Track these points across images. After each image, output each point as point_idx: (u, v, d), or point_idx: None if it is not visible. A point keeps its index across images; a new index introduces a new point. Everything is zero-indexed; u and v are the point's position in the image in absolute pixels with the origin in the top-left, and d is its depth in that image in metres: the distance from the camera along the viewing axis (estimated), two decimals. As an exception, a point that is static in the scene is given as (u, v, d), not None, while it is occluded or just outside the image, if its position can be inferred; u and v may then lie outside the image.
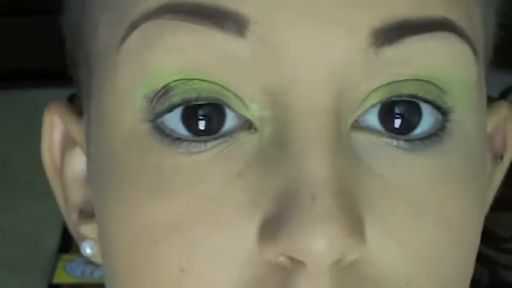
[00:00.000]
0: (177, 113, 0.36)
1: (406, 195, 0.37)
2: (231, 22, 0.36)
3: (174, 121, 0.36)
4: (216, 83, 0.36)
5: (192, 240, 0.36)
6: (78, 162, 0.44)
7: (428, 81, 0.37)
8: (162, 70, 0.36)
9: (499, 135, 0.44)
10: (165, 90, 0.36)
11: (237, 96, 0.36)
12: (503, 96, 1.22)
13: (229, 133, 0.36)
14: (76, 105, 0.44)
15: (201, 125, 0.36)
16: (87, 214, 0.43)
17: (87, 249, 0.43)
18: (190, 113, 0.36)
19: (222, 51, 0.36)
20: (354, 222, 0.35)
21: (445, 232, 0.37)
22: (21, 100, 1.41)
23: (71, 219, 0.44)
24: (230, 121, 0.36)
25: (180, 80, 0.36)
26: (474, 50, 0.38)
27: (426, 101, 0.37)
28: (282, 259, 0.35)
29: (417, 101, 0.37)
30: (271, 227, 0.35)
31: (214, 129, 0.36)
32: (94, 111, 0.40)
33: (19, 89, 1.43)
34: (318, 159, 0.35)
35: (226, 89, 0.36)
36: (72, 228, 0.44)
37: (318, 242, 0.34)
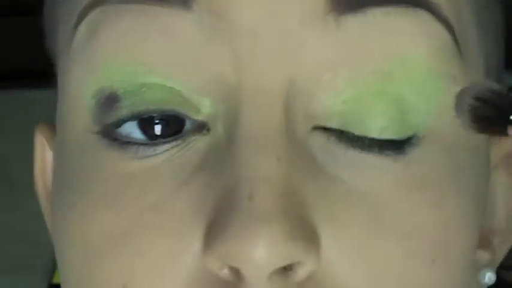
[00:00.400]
0: (128, 122, 0.34)
1: (368, 204, 0.33)
2: None
3: (129, 126, 0.34)
4: (164, 87, 0.33)
5: (136, 254, 0.33)
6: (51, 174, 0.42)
7: (396, 85, 0.33)
8: (108, 64, 0.34)
9: None
10: (113, 98, 0.34)
11: (186, 98, 0.33)
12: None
13: (184, 136, 0.34)
14: None
15: (157, 129, 0.34)
16: None
17: None
18: (147, 117, 0.34)
19: (167, 32, 0.33)
20: (299, 226, 0.31)
21: (413, 247, 0.33)
22: (21, 100, 1.41)
23: None
24: (188, 123, 0.34)
25: (126, 88, 0.34)
26: (455, 39, 0.34)
27: (386, 140, 0.33)
28: (226, 272, 0.32)
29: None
30: (212, 235, 0.32)
31: (172, 133, 0.34)
32: (57, 118, 0.39)
33: (19, 89, 1.43)
34: (262, 155, 0.32)
35: (175, 94, 0.33)
36: None
37: (254, 248, 0.30)
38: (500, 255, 0.40)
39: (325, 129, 0.34)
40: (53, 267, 1.20)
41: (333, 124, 0.34)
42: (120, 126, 0.34)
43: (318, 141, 0.33)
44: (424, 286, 0.34)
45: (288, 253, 0.31)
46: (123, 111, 0.34)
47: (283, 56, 0.33)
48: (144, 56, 0.34)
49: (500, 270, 0.41)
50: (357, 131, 0.33)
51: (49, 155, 0.42)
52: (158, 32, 0.34)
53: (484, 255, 0.39)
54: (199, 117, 0.34)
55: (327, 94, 0.33)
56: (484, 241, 0.39)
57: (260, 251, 0.30)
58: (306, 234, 0.31)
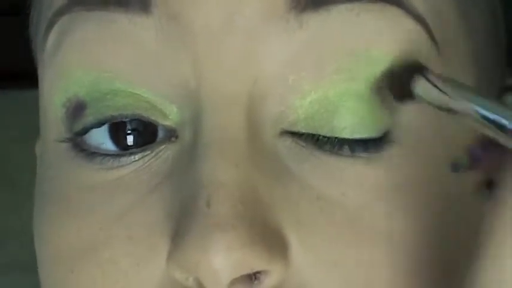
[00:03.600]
0: (103, 129, 0.34)
1: (337, 209, 0.32)
2: (134, 0, 0.33)
3: (100, 137, 0.34)
4: (129, 93, 0.33)
5: (102, 265, 0.33)
6: None
7: (365, 86, 0.32)
8: (73, 72, 0.34)
9: None
10: (79, 106, 0.34)
11: (152, 104, 0.33)
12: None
13: (153, 147, 0.33)
14: None
15: (130, 140, 0.34)
16: None
17: None
18: (119, 127, 0.34)
19: (128, 39, 0.33)
20: (260, 232, 0.30)
21: (385, 252, 0.32)
22: (21, 100, 1.41)
23: None
24: (160, 133, 0.33)
25: (91, 95, 0.33)
26: (431, 35, 0.33)
27: (358, 141, 0.32)
28: (191, 281, 0.30)
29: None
30: (173, 242, 0.31)
31: (145, 143, 0.33)
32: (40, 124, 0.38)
33: (19, 89, 1.43)
34: (219, 159, 0.31)
35: (141, 99, 0.33)
36: None
37: (210, 256, 0.29)
38: None
39: (293, 133, 0.33)
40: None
41: (301, 127, 0.32)
42: (85, 134, 0.34)
43: (286, 145, 0.32)
44: None
45: (246, 260, 0.30)
46: (88, 118, 0.34)
47: (244, 58, 0.32)
48: (108, 63, 0.33)
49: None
50: (327, 132, 0.32)
51: None
52: (120, 39, 0.33)
53: None
54: (168, 123, 0.33)
55: (292, 96, 0.32)
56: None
57: (216, 259, 0.29)
58: (268, 240, 0.30)
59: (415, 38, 0.33)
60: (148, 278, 0.32)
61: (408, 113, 0.33)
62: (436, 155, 0.34)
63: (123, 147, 0.34)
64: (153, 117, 0.33)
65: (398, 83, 0.32)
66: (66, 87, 0.34)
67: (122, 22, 0.33)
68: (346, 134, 0.32)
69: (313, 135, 0.32)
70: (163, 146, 0.33)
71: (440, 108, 0.30)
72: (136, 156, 0.33)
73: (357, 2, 0.32)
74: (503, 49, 0.39)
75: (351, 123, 0.32)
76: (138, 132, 0.34)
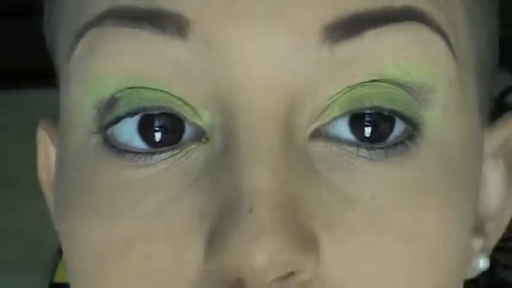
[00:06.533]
0: (133, 123, 0.35)
1: (367, 210, 0.33)
2: (171, 23, 0.34)
3: (129, 133, 0.35)
4: (163, 91, 0.34)
5: (138, 264, 0.34)
6: None
7: (395, 85, 0.34)
8: (107, 78, 0.35)
9: None
10: (112, 101, 0.35)
11: (187, 103, 0.34)
12: (503, 96, 1.22)
13: (183, 145, 0.34)
14: None
15: (157, 136, 0.35)
16: None
17: None
18: (147, 124, 0.35)
19: (164, 56, 0.34)
20: (297, 235, 0.32)
21: (414, 252, 0.34)
22: (21, 100, 1.41)
23: None
24: (188, 132, 0.35)
25: (126, 89, 0.35)
26: (450, 46, 0.35)
27: (392, 112, 0.34)
28: (230, 279, 0.32)
29: (381, 112, 0.34)
30: (211, 244, 0.32)
31: (171, 141, 0.35)
32: (60, 122, 0.39)
33: (19, 89, 1.43)
34: (258, 169, 0.33)
35: (174, 97, 0.34)
36: None
37: (254, 258, 0.31)
38: (493, 240, 0.41)
39: (324, 137, 0.34)
40: (53, 266, 1.20)
41: (332, 131, 0.34)
42: (117, 123, 0.35)
43: (316, 149, 0.34)
44: None
45: (287, 262, 0.32)
46: (121, 108, 0.35)
47: (278, 78, 0.33)
48: (142, 71, 0.34)
49: (500, 269, 0.41)
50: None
51: (52, 151, 0.43)
52: (153, 54, 0.34)
53: (477, 243, 0.40)
54: (200, 123, 0.34)
55: (324, 104, 0.34)
56: (477, 228, 0.39)
57: (261, 261, 0.31)
58: (304, 242, 0.32)
59: (439, 49, 0.35)
60: (182, 274, 0.33)
61: (434, 116, 0.35)
62: (457, 155, 0.36)
63: (152, 144, 0.35)
64: (185, 113, 0.34)
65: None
66: (98, 91, 0.35)
67: (158, 41, 0.34)
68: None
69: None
70: (193, 146, 0.34)
71: None
72: (166, 155, 0.34)
73: (386, 25, 0.33)
74: (497, 48, 0.41)
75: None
76: (166, 129, 0.35)
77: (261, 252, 0.31)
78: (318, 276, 0.33)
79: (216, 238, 0.32)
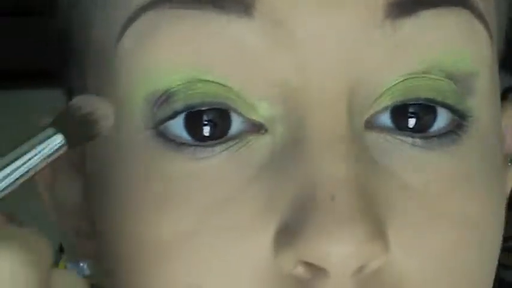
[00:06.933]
0: (180, 118, 0.34)
1: (423, 197, 0.34)
2: (236, 2, 0.33)
3: (177, 127, 0.34)
4: (220, 84, 0.34)
5: (202, 255, 0.34)
6: (71, 185, 0.41)
7: (445, 75, 0.35)
8: (162, 67, 0.34)
9: (509, 135, 0.41)
10: (167, 95, 0.34)
11: (242, 97, 0.34)
12: (503, 96, 1.22)
13: (238, 136, 0.34)
14: None
15: (206, 130, 0.34)
16: (83, 234, 0.41)
17: (85, 271, 0.41)
18: (194, 118, 0.34)
19: (227, 38, 0.33)
20: (377, 225, 0.32)
21: (465, 235, 0.35)
22: (21, 100, 1.41)
23: (67, 238, 0.42)
24: (236, 125, 0.34)
25: (181, 84, 0.34)
26: (489, 32, 0.36)
27: (444, 106, 0.35)
28: (300, 269, 0.32)
29: (434, 104, 0.35)
30: (288, 233, 0.32)
31: (219, 135, 0.34)
32: None
33: (19, 89, 1.43)
34: (336, 157, 0.33)
35: (232, 91, 0.34)
36: (68, 249, 0.42)
37: (340, 246, 0.31)
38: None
39: (374, 126, 0.35)
40: (54, 266, 1.20)
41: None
42: (174, 118, 0.34)
43: (372, 138, 0.34)
44: (477, 268, 0.36)
45: (371, 252, 0.32)
46: (177, 104, 0.34)
47: (344, 62, 0.34)
48: (201, 59, 0.34)
49: (501, 269, 0.41)
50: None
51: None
52: (216, 37, 0.34)
53: None
54: (255, 117, 0.34)
55: (378, 89, 0.34)
56: None
57: (347, 249, 0.31)
58: (382, 233, 0.33)
59: (483, 37, 0.36)
60: (249, 266, 0.33)
61: (477, 103, 0.36)
62: (493, 140, 0.37)
63: (200, 139, 0.34)
64: (241, 109, 0.34)
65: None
66: (154, 81, 0.34)
67: (221, 22, 0.33)
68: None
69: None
70: (252, 137, 0.34)
71: None
72: (224, 146, 0.34)
73: (440, 7, 0.35)
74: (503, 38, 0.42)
75: (430, 90, 0.35)
76: (214, 124, 0.35)
77: (347, 241, 0.31)
78: (385, 266, 0.33)
79: (291, 229, 0.32)
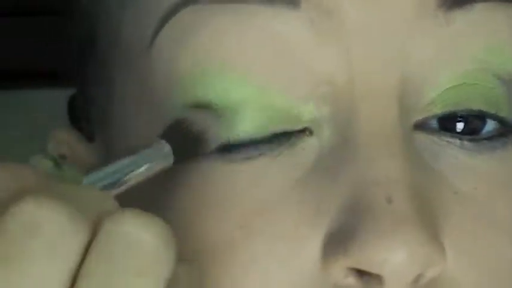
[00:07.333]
0: None
1: (473, 203, 0.33)
2: None
3: None
4: (262, 104, 0.32)
5: (245, 260, 0.32)
6: None
7: (497, 78, 0.33)
8: (201, 71, 0.33)
9: None
10: (207, 103, 0.32)
11: (286, 111, 0.32)
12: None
13: (283, 136, 0.33)
14: (83, 130, 0.41)
15: None
16: None
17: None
18: None
19: (272, 32, 0.32)
20: (433, 230, 0.31)
21: None
22: (21, 100, 1.41)
23: None
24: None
25: (223, 104, 0.32)
26: None
27: (496, 119, 0.34)
28: (351, 279, 0.31)
29: (484, 116, 0.33)
30: (339, 238, 0.31)
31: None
32: (117, 125, 0.36)
33: (19, 89, 1.43)
34: (389, 157, 0.31)
35: (274, 110, 0.32)
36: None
37: (399, 252, 0.30)
38: None
39: (425, 128, 0.34)
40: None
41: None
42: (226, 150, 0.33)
43: (420, 139, 0.33)
44: None
45: (429, 257, 0.30)
46: (222, 134, 0.33)
47: (395, 54, 0.32)
48: (240, 62, 0.32)
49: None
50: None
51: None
52: (258, 34, 0.32)
53: None
54: (299, 126, 0.33)
55: (430, 89, 0.33)
56: None
57: (405, 255, 0.30)
58: (438, 238, 0.31)
59: None
60: (293, 275, 0.32)
61: None
62: None
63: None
64: (287, 125, 0.33)
65: None
66: (194, 88, 0.33)
67: (265, 15, 0.32)
68: (478, 111, 0.34)
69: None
70: (298, 138, 0.33)
71: None
72: (272, 146, 0.33)
73: (492, 1, 0.34)
74: None
75: (483, 102, 0.34)
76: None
77: (406, 246, 0.29)
78: (442, 275, 0.32)
79: (343, 235, 0.31)
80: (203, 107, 0.33)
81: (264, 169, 0.33)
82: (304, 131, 0.33)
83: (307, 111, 0.33)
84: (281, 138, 0.33)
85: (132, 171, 0.31)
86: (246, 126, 0.33)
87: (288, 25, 0.32)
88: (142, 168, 0.31)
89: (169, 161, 0.31)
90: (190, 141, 0.32)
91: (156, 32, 0.34)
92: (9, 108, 1.42)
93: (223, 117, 0.33)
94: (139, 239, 0.26)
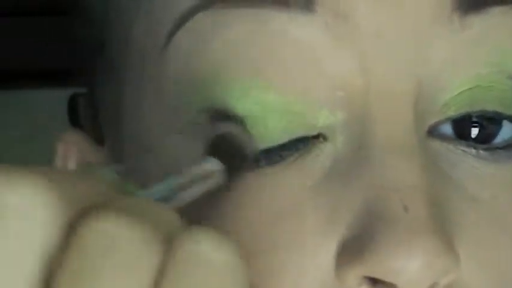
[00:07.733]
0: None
1: (490, 211, 0.33)
2: None
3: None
4: (284, 109, 0.31)
5: (259, 268, 0.32)
6: None
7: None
8: (216, 77, 0.32)
9: None
10: (224, 111, 0.32)
11: (303, 117, 0.32)
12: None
13: (300, 142, 0.32)
14: (91, 132, 0.40)
15: None
16: None
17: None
18: None
19: (288, 36, 0.32)
20: (449, 238, 0.30)
21: None
22: (21, 100, 1.41)
23: None
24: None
25: (248, 112, 0.32)
26: None
27: (510, 119, 0.33)
28: None
29: (500, 118, 0.33)
30: (354, 246, 0.30)
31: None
32: (129, 127, 0.36)
33: (19, 89, 1.43)
34: (405, 165, 0.31)
35: (294, 117, 0.32)
36: None
37: (414, 260, 0.29)
38: None
39: (439, 134, 0.33)
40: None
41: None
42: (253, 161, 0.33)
43: (435, 146, 0.33)
44: None
45: (444, 266, 0.30)
46: (255, 148, 0.32)
47: (410, 58, 0.32)
48: (260, 68, 0.32)
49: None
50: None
51: (71, 164, 0.40)
52: (276, 38, 0.32)
53: None
54: (314, 132, 0.33)
55: (444, 92, 0.33)
56: None
57: (420, 263, 0.29)
58: (453, 246, 0.31)
59: None
60: (306, 286, 0.31)
61: None
62: None
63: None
64: (304, 131, 0.32)
65: None
66: (208, 92, 0.33)
67: (281, 20, 0.32)
68: (493, 112, 0.33)
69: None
70: (310, 145, 0.33)
71: None
72: (291, 152, 0.33)
73: (506, 5, 0.33)
74: None
75: (498, 104, 0.33)
76: None
77: (422, 255, 0.29)
78: (455, 282, 0.31)
79: (358, 242, 0.30)
80: (221, 113, 0.33)
81: (279, 176, 0.33)
82: (318, 137, 0.33)
83: (322, 117, 0.33)
84: (298, 144, 0.33)
85: (183, 189, 0.30)
86: (270, 133, 0.32)
87: (303, 29, 0.32)
88: (193, 188, 0.30)
89: (219, 178, 0.31)
90: (234, 157, 0.32)
91: (171, 34, 0.34)
92: (9, 108, 1.42)
93: (250, 126, 0.33)
94: (218, 258, 0.25)
